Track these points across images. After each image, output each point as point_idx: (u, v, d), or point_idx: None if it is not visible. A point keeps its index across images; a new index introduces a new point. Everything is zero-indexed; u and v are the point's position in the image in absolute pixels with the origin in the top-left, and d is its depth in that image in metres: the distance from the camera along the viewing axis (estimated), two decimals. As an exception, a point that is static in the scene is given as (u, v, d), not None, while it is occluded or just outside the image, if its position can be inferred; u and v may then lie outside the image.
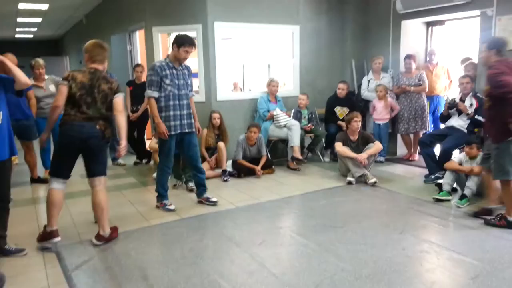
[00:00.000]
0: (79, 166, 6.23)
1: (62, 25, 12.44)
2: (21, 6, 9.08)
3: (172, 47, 4.06)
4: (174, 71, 4.07)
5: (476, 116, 4.76)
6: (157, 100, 4.03)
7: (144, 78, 6.59)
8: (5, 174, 3.14)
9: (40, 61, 5.43)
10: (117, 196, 4.83)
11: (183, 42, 3.99)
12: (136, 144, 6.54)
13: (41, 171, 5.61)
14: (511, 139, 3.40)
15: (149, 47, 6.35)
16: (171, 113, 4.06)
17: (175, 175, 4.91)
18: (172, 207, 4.24)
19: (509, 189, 3.51)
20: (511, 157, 3.42)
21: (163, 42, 6.64)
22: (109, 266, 3.01)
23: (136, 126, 6.34)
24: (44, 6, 9.23)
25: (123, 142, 3.45)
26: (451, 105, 4.98)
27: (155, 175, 4.92)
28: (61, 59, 15.71)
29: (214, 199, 4.39)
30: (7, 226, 3.25)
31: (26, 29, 13.05)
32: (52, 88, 5.52)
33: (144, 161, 6.55)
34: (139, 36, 7.17)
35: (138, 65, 6.65)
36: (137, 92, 6.39)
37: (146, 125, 6.67)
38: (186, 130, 4.16)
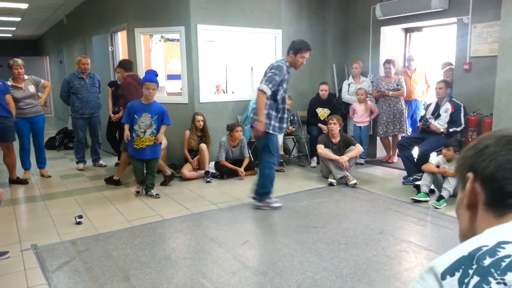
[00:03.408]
0: (59, 167, 6.16)
1: (42, 24, 12.21)
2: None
3: (289, 54, 4.07)
4: (289, 77, 4.16)
5: (451, 130, 4.90)
6: (272, 98, 4.03)
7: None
8: None
9: (19, 61, 5.30)
10: (98, 197, 4.78)
11: (300, 48, 4.01)
12: (118, 145, 6.47)
13: (20, 172, 5.51)
14: None
15: (131, 48, 6.32)
16: (281, 115, 4.14)
17: (139, 181, 4.81)
18: (278, 204, 4.26)
19: None
20: None
21: (145, 44, 6.61)
22: (90, 267, 2.99)
23: (118, 127, 6.28)
24: (24, 5, 9.06)
25: None
26: (425, 125, 5.12)
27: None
28: (40, 59, 15.41)
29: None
30: None
31: (5, 28, 12.76)
32: (32, 88, 5.41)
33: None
34: (121, 37, 7.12)
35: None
36: (119, 92, 6.33)
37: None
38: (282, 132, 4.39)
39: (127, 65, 5.53)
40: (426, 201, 4.37)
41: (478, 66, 5.17)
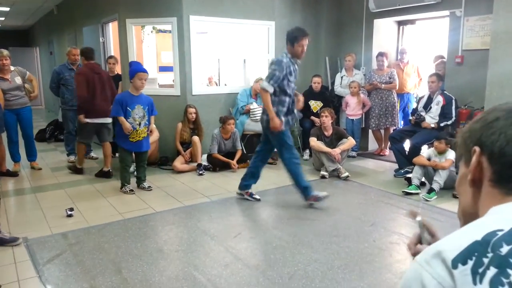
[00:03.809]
0: (50, 159, 6.10)
1: (32, 15, 12.02)
2: (-12, -6, 8.75)
3: (287, 45, 3.94)
4: (296, 67, 4.01)
5: (442, 124, 4.93)
6: (278, 94, 3.92)
7: (117, 70, 6.51)
8: None
9: (4, 51, 5.19)
10: (89, 189, 4.75)
11: (296, 37, 3.87)
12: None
13: (10, 165, 5.45)
14: None
15: (122, 39, 6.25)
16: (289, 107, 4.00)
17: (128, 180, 4.65)
18: (323, 193, 4.10)
19: None
20: None
21: (137, 35, 6.54)
22: (81, 260, 2.98)
23: (109, 120, 6.23)
24: (12, -5, 8.92)
25: None
26: (418, 119, 5.14)
27: (132, 168, 4.88)
28: (30, 50, 15.20)
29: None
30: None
31: (-7, 18, 12.56)
32: (18, 80, 5.32)
33: (117, 154, 6.44)
34: (112, 28, 7.04)
35: (111, 57, 6.54)
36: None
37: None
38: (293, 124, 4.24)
39: (87, 53, 5.40)
40: (417, 194, 4.41)
41: (470, 59, 5.20)
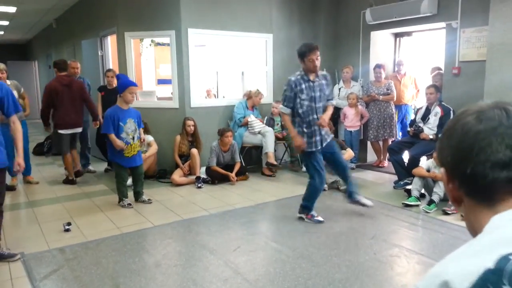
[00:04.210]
0: (47, 173, 6.07)
1: (30, 28, 12.09)
2: (-13, 8, 8.79)
3: (299, 60, 3.87)
4: (311, 84, 3.85)
5: (440, 135, 4.92)
6: (295, 114, 3.88)
7: (116, 83, 6.51)
8: (2, 180, 3.25)
9: (0, 65, 5.22)
10: (88, 203, 4.72)
11: (303, 52, 3.79)
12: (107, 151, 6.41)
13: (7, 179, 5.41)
14: None
15: (121, 53, 6.27)
16: (312, 128, 3.85)
17: (122, 194, 4.59)
18: (320, 218, 4.00)
19: None
20: None
21: (135, 48, 6.57)
22: (78, 275, 2.94)
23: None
24: (12, 9, 8.96)
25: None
26: (417, 130, 5.15)
27: (129, 182, 4.84)
28: (29, 64, 15.25)
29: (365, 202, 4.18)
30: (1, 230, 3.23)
31: (-8, 32, 12.62)
32: (15, 94, 5.31)
33: (111, 167, 6.42)
34: (110, 41, 7.07)
35: (109, 70, 6.54)
36: (109, 97, 6.26)
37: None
38: (323, 145, 3.93)
39: (59, 64, 5.61)
40: (417, 205, 4.38)
41: (467, 71, 5.23)
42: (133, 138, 4.50)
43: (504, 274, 0.51)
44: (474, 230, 0.65)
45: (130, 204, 4.53)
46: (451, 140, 0.66)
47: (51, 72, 11.50)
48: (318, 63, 3.81)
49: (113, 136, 4.37)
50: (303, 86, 3.83)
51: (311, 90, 3.85)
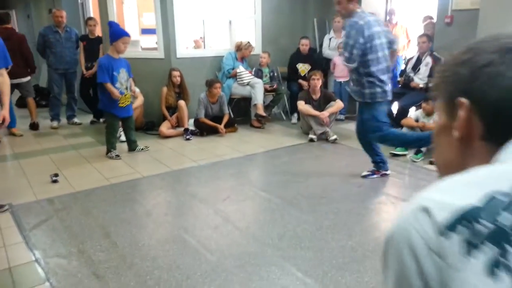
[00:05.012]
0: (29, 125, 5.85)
1: (4, -26, 11.41)
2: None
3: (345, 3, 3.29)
4: (380, 29, 3.27)
5: (431, 84, 4.89)
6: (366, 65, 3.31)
7: (98, 32, 6.26)
8: None
9: None
10: (75, 155, 4.66)
11: None
12: (92, 102, 6.27)
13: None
14: None
15: (101, 1, 5.97)
16: (385, 76, 3.37)
17: (111, 146, 4.51)
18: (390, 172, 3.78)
19: None
20: None
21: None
22: (68, 225, 2.94)
23: (91, 84, 6.06)
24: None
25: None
26: (407, 80, 5.09)
27: (122, 137, 4.79)
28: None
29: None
30: None
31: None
32: None
33: (101, 120, 6.31)
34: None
35: (90, 18, 6.29)
36: (91, 47, 6.07)
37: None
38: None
39: (1, 17, 5.55)
40: (405, 155, 4.43)
41: (459, 19, 5.11)
42: (126, 88, 4.44)
43: (489, 211, 0.45)
44: (462, 167, 0.58)
45: (118, 156, 4.50)
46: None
47: (30, 22, 11.02)
48: None
49: (109, 85, 4.28)
50: (372, 30, 3.24)
51: (382, 35, 3.32)
